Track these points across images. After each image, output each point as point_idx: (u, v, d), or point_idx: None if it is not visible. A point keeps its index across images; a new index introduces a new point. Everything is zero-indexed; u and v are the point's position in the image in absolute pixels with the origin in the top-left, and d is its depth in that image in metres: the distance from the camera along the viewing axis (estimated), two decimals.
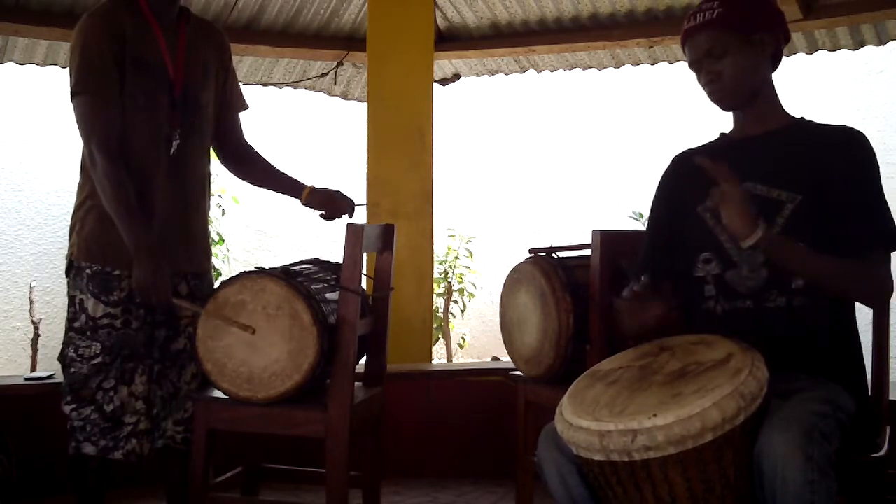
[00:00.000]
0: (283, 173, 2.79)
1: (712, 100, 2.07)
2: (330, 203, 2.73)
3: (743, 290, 1.99)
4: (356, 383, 2.51)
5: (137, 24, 2.48)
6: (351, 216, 2.75)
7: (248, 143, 2.80)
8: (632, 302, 1.94)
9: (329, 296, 2.50)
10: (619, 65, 4.96)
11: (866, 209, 1.94)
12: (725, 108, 2.09)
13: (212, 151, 2.73)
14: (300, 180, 2.76)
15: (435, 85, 4.75)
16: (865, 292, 1.96)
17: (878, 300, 2.02)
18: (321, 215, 2.76)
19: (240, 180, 2.86)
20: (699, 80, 2.08)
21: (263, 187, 2.85)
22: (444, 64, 5.21)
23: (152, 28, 2.49)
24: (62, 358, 2.50)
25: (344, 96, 5.41)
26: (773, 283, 1.96)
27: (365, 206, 3.25)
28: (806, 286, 1.93)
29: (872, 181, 1.96)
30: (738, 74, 2.01)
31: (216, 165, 2.78)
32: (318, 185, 2.74)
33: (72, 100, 2.44)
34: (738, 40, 2.00)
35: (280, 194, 2.84)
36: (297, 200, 2.77)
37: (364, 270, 2.52)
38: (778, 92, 2.11)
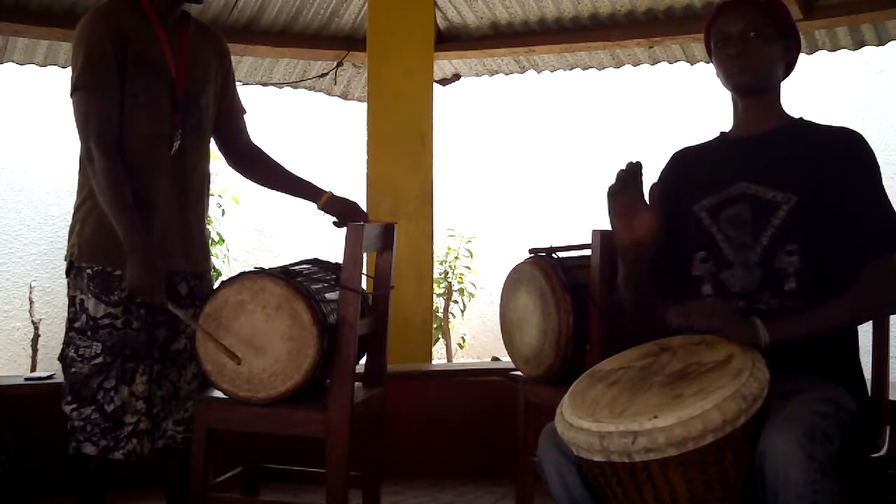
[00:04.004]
0: (300, 178, 2.79)
1: (733, 72, 2.03)
2: (347, 213, 2.72)
3: (737, 290, 1.98)
4: (356, 383, 2.50)
5: (140, 24, 2.48)
6: None
7: (256, 145, 2.80)
8: (622, 199, 1.96)
9: (329, 296, 2.50)
10: (619, 65, 4.95)
11: (870, 214, 1.93)
12: (742, 83, 2.04)
13: (212, 153, 2.73)
14: (318, 185, 2.76)
15: (435, 85, 4.74)
16: (888, 310, 2.01)
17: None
18: (334, 222, 2.75)
19: (247, 181, 2.86)
20: (721, 52, 2.04)
21: (279, 191, 2.85)
22: (444, 64, 5.21)
23: (155, 28, 2.49)
24: (62, 358, 2.50)
25: (344, 96, 5.41)
26: (766, 285, 1.95)
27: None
28: (799, 288, 1.93)
29: (874, 184, 1.95)
30: (763, 60, 2.02)
31: (216, 166, 2.78)
32: (336, 194, 2.73)
33: (71, 95, 2.44)
34: (773, 33, 2.02)
35: (288, 196, 2.84)
36: (300, 200, 2.77)
37: (364, 270, 2.52)
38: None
